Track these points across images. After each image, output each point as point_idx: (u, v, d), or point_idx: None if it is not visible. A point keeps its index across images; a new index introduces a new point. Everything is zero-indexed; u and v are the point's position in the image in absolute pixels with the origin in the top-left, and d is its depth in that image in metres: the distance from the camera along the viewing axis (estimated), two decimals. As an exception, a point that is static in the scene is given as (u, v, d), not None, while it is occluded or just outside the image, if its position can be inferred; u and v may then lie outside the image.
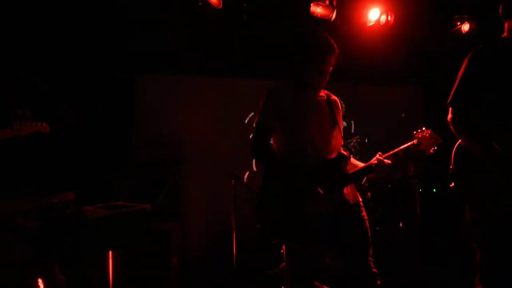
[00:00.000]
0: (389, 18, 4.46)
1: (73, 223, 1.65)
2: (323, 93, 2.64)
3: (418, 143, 2.45)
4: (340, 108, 2.70)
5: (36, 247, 1.68)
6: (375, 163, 2.43)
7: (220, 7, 3.98)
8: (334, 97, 2.69)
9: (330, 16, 4.31)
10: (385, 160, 2.43)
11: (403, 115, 4.33)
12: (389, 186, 4.44)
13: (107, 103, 4.66)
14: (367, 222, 2.49)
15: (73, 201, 2.36)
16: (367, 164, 2.48)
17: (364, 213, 2.50)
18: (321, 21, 4.39)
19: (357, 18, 4.71)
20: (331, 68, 2.52)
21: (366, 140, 5.91)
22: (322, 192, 2.36)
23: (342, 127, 2.68)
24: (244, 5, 4.17)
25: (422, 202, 4.28)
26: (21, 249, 2.42)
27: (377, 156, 2.46)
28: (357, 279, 2.39)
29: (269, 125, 2.49)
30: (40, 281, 2.84)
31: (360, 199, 2.55)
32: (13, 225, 2.03)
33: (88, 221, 1.61)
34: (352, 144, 4.22)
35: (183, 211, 5.05)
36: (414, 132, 2.51)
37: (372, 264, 2.42)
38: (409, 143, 2.48)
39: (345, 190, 2.48)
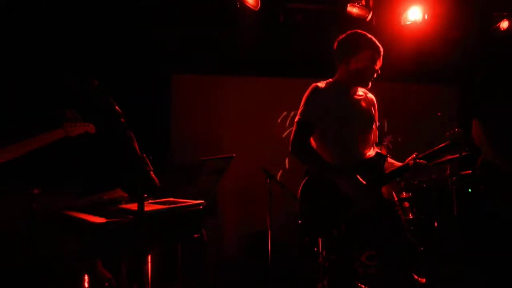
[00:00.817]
0: (425, 17, 4.43)
1: (135, 218, 1.74)
2: (361, 91, 2.66)
3: (452, 143, 2.47)
4: (376, 106, 2.73)
5: (100, 241, 1.78)
6: (412, 163, 2.45)
7: (258, 8, 4.05)
8: (370, 95, 2.71)
9: (366, 16, 4.32)
10: (421, 161, 2.45)
11: (439, 113, 4.28)
12: (424, 186, 4.42)
13: (145, 102, 4.79)
14: (403, 220, 2.51)
15: (124, 197, 2.47)
16: (403, 163, 2.50)
17: (400, 212, 2.52)
18: (357, 21, 4.41)
19: (394, 17, 4.69)
20: (376, 69, 2.54)
21: (400, 140, 5.87)
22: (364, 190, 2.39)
23: (377, 125, 2.70)
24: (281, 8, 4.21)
25: (458, 202, 4.24)
26: (74, 243, 2.56)
27: (414, 156, 2.48)
28: (391, 277, 2.42)
29: (311, 124, 2.51)
30: (86, 277, 2.98)
31: (396, 198, 2.57)
32: (71, 219, 2.16)
33: (147, 215, 1.70)
34: (385, 143, 4.22)
35: (218, 209, 5.15)
36: (447, 133, 2.53)
37: (407, 264, 2.44)
38: (443, 144, 2.50)
39: (382, 189, 2.50)
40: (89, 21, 4.40)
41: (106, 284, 3.11)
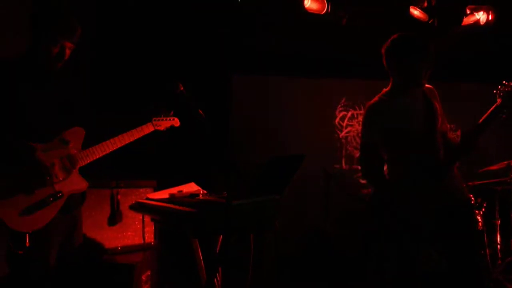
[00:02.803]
0: (489, 18, 4.39)
1: (223, 208, 1.93)
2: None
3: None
4: (437, 93, 2.66)
5: (193, 228, 1.98)
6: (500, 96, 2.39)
7: (323, 12, 4.15)
8: (428, 86, 2.63)
9: (427, 19, 4.36)
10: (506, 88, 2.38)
11: (503, 116, 4.22)
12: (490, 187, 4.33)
13: (207, 102, 4.99)
14: (474, 222, 2.50)
15: (199, 191, 2.67)
16: (492, 107, 2.42)
17: (472, 211, 2.52)
18: (417, 23, 4.43)
19: (455, 18, 4.69)
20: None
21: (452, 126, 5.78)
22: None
23: (442, 111, 2.61)
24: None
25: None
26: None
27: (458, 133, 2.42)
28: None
29: (373, 144, 2.52)
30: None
31: (472, 197, 2.56)
32: (159, 208, 2.39)
33: (232, 207, 1.88)
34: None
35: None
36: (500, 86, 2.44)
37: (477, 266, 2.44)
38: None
39: (453, 188, 2.50)
40: (152, 22, 4.66)
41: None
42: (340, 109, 5.69)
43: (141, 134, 2.67)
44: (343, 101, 5.67)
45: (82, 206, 2.60)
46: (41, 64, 2.31)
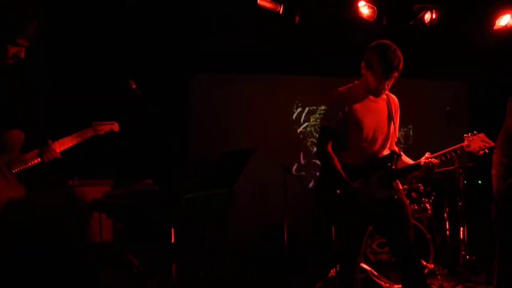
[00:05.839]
0: (433, 16, 4.63)
1: (175, 202, 2.01)
2: (383, 94, 2.79)
3: (468, 145, 2.67)
4: (398, 106, 2.88)
5: (148, 224, 2.05)
6: (424, 162, 2.65)
7: (277, 10, 4.23)
8: (393, 96, 2.86)
9: (374, 17, 4.56)
10: (433, 160, 2.64)
11: (447, 108, 4.47)
12: (435, 177, 4.62)
13: (166, 100, 5.02)
14: (409, 209, 2.74)
15: (154, 187, 2.73)
16: (416, 162, 2.70)
17: (405, 199, 2.75)
18: (366, 21, 4.62)
19: (404, 16, 4.92)
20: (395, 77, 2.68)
21: (411, 134, 6.07)
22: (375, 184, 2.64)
23: (398, 124, 2.87)
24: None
25: (466, 193, 4.43)
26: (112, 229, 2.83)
27: (426, 155, 2.69)
28: (400, 254, 2.67)
29: (332, 128, 2.71)
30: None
31: (401, 187, 2.79)
32: (112, 206, 2.44)
33: (186, 200, 1.97)
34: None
35: (237, 201, 5.40)
36: (465, 135, 2.71)
37: (415, 250, 2.66)
38: (459, 145, 2.69)
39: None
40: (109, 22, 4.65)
41: (135, 270, 3.38)
42: (297, 105, 5.85)
43: (81, 138, 2.68)
44: (299, 97, 5.83)
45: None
46: None
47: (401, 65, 2.60)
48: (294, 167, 5.80)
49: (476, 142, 2.66)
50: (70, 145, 2.61)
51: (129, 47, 4.83)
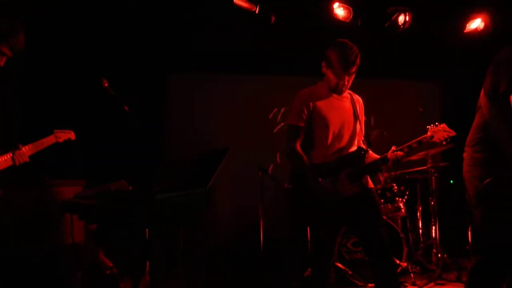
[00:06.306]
0: (407, 19, 4.72)
1: (148, 202, 1.98)
2: (346, 93, 2.87)
3: (431, 136, 2.73)
4: (362, 105, 2.96)
5: (121, 224, 2.02)
6: (391, 155, 2.71)
7: (254, 9, 4.24)
8: (356, 96, 2.94)
9: (349, 18, 4.62)
10: (398, 152, 2.70)
11: (420, 109, 4.54)
12: (407, 177, 4.70)
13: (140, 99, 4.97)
14: (379, 206, 2.80)
15: (128, 188, 2.71)
16: (382, 156, 2.76)
17: (377, 197, 2.79)
18: (341, 22, 4.67)
19: (377, 18, 4.99)
20: (354, 75, 2.75)
21: (385, 134, 6.14)
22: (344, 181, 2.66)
23: (363, 122, 2.93)
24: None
25: (438, 193, 4.51)
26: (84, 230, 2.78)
27: (392, 148, 2.75)
28: (373, 252, 2.70)
29: (298, 127, 2.75)
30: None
31: (372, 186, 2.84)
32: (83, 206, 2.39)
33: (159, 201, 1.94)
34: (372, 137, 4.46)
35: (213, 201, 5.38)
36: (428, 127, 2.78)
37: (388, 249, 2.69)
38: (422, 136, 2.75)
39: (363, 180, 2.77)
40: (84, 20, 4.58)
41: (108, 272, 3.34)
42: (273, 106, 5.86)
43: (43, 146, 2.73)
44: (276, 97, 5.84)
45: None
46: None
47: (358, 60, 2.68)
48: (271, 167, 5.80)
49: (439, 132, 2.73)
50: (33, 152, 2.64)
51: (105, 45, 4.77)
